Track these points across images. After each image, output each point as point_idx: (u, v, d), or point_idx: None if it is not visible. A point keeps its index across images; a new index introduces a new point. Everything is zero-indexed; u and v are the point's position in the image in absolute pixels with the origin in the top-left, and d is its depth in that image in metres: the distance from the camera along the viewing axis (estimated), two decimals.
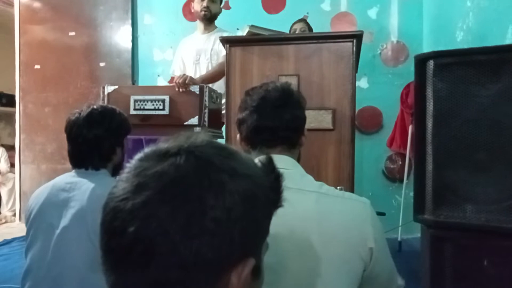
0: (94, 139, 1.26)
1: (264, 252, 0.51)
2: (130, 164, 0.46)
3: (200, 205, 0.41)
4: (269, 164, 0.53)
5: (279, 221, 0.74)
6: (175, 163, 0.43)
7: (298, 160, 1.02)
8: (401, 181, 3.05)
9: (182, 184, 0.42)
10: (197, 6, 2.59)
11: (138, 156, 0.47)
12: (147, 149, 0.48)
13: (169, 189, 0.41)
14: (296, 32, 2.82)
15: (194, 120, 1.95)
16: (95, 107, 1.31)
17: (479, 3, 1.99)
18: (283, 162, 0.88)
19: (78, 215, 1.17)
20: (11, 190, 4.15)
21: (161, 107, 1.97)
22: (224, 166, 0.44)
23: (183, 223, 0.40)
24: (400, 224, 2.84)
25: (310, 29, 2.89)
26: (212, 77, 2.42)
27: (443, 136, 1.12)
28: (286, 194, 0.79)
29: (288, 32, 2.85)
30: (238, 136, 0.98)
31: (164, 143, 0.47)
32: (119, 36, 3.68)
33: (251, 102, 0.94)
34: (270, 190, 0.50)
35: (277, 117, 0.91)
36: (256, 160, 0.53)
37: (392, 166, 3.29)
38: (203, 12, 2.56)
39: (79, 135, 1.26)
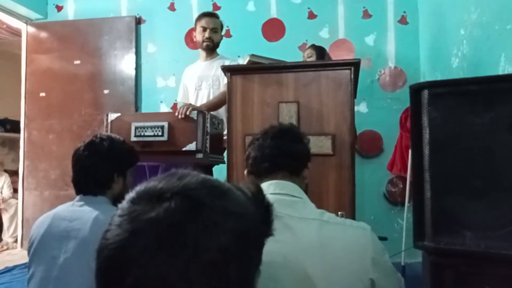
0: (91, 165, 1.30)
1: (257, 278, 0.51)
2: (122, 206, 0.46)
3: (196, 248, 0.41)
4: (259, 195, 0.54)
5: (284, 250, 0.76)
6: (169, 208, 0.43)
7: (305, 193, 1.06)
8: (403, 204, 3.04)
9: (178, 230, 0.42)
10: (199, 37, 2.66)
11: (130, 197, 0.47)
12: (138, 189, 0.47)
13: (165, 236, 0.41)
14: (304, 57, 2.93)
15: (192, 146, 1.97)
16: (98, 135, 1.37)
17: (472, 31, 2.05)
18: (289, 188, 0.93)
19: (80, 246, 1.18)
20: (13, 217, 4.14)
21: (160, 134, 1.99)
22: (217, 206, 0.45)
23: (182, 268, 0.40)
24: (403, 248, 2.81)
25: (320, 52, 2.93)
26: (216, 105, 2.47)
27: (439, 164, 1.14)
28: (290, 223, 0.82)
29: (286, 59, 2.92)
30: (245, 171, 1.06)
31: (156, 183, 0.47)
32: (123, 64, 3.77)
33: (255, 137, 1.05)
34: (261, 223, 0.51)
35: (275, 147, 1.00)
36: (246, 190, 0.54)
37: (393, 190, 3.29)
38: (205, 43, 2.62)
39: (78, 160, 1.32)
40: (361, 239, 0.86)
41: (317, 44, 3.37)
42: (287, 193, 0.92)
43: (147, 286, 0.40)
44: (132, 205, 0.45)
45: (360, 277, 0.80)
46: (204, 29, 2.62)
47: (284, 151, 0.99)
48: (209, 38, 2.61)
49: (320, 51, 2.97)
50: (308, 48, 3.02)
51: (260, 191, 0.55)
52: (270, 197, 0.58)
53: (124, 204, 0.47)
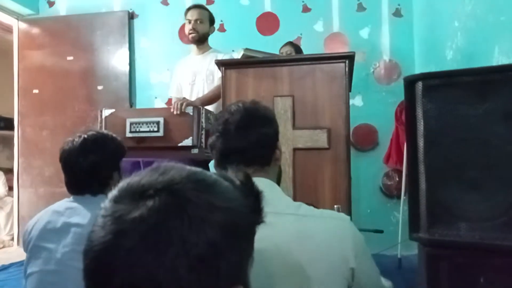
0: (91, 166, 1.26)
1: (250, 267, 0.51)
2: (105, 206, 0.45)
3: (183, 245, 0.41)
4: (248, 183, 0.54)
5: (263, 245, 0.75)
6: (153, 206, 0.42)
7: (279, 176, 1.02)
8: (399, 197, 3.06)
9: (163, 228, 0.41)
10: (186, 30, 2.65)
11: (112, 195, 0.45)
12: (120, 186, 0.46)
13: (151, 235, 0.41)
14: (283, 54, 2.89)
15: (188, 141, 1.96)
16: (86, 135, 1.32)
17: (465, 23, 2.05)
18: (261, 184, 0.88)
19: (79, 241, 1.17)
20: (9, 214, 4.12)
21: (155, 129, 1.98)
22: (202, 201, 0.44)
23: (170, 266, 0.40)
24: (399, 241, 2.84)
25: (298, 50, 2.95)
26: (210, 100, 2.46)
27: (434, 155, 1.14)
28: (266, 218, 0.80)
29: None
30: (214, 162, 0.98)
31: (138, 179, 0.45)
32: (116, 60, 3.74)
33: (217, 126, 0.96)
34: (251, 211, 0.50)
35: (242, 138, 0.92)
36: (235, 178, 0.53)
37: (389, 183, 3.30)
38: (191, 35, 2.60)
39: (75, 164, 1.27)
40: (339, 230, 0.83)
41: (311, 38, 3.38)
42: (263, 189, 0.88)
43: (135, 286, 0.40)
44: (115, 204, 0.44)
45: (340, 268, 0.79)
46: (189, 22, 2.60)
47: (251, 143, 0.91)
48: (194, 29, 2.58)
49: (297, 48, 2.96)
50: (286, 45, 3.00)
51: (248, 179, 0.54)
52: None
53: (106, 203, 0.45)
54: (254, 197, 0.52)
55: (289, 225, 0.81)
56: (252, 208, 0.51)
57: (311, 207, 0.88)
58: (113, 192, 0.46)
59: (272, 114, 1.00)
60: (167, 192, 0.43)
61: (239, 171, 0.90)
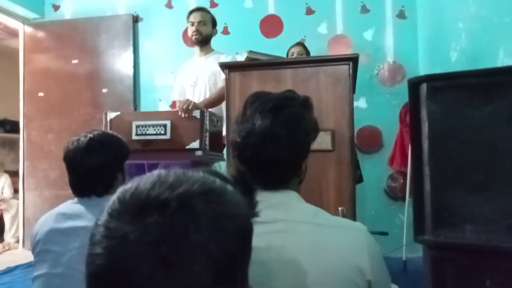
0: (96, 168, 1.25)
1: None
2: (107, 224, 0.41)
3: (207, 260, 0.40)
4: (242, 181, 0.54)
5: (275, 255, 0.74)
6: (159, 224, 0.39)
7: (300, 183, 0.96)
8: (403, 199, 3.04)
9: (184, 246, 0.39)
10: (189, 32, 2.68)
11: (113, 210, 0.41)
12: (121, 197, 0.42)
13: (161, 257, 0.38)
14: (294, 55, 2.88)
15: (195, 144, 1.97)
16: (92, 135, 1.29)
17: (470, 25, 2.05)
18: (275, 196, 0.84)
19: (86, 245, 1.17)
20: (14, 217, 4.14)
21: (162, 132, 2.00)
22: (216, 213, 0.42)
23: (196, 282, 0.39)
24: (404, 243, 2.82)
25: (307, 52, 2.95)
26: (214, 102, 2.47)
27: (439, 157, 1.14)
28: (280, 226, 0.79)
29: (285, 55, 2.92)
30: (235, 160, 0.91)
31: (143, 191, 0.42)
32: (121, 63, 3.76)
33: (243, 129, 0.86)
34: (249, 207, 0.50)
35: (273, 159, 0.83)
36: (230, 177, 0.53)
37: (393, 185, 3.29)
38: (194, 36, 2.63)
39: (80, 164, 1.26)
40: (356, 242, 0.81)
41: (315, 41, 3.38)
42: (275, 201, 0.83)
43: None
44: (119, 223, 0.40)
45: (354, 280, 0.77)
46: (192, 24, 2.63)
47: (285, 163, 0.83)
48: (197, 31, 2.61)
49: (307, 50, 2.96)
50: (297, 45, 2.99)
51: (243, 176, 0.54)
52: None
53: (106, 218, 0.41)
54: (249, 192, 0.52)
55: (304, 235, 0.79)
56: (249, 204, 0.50)
57: (329, 215, 0.84)
58: (114, 206, 0.42)
59: (309, 127, 0.89)
60: (181, 209, 0.40)
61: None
